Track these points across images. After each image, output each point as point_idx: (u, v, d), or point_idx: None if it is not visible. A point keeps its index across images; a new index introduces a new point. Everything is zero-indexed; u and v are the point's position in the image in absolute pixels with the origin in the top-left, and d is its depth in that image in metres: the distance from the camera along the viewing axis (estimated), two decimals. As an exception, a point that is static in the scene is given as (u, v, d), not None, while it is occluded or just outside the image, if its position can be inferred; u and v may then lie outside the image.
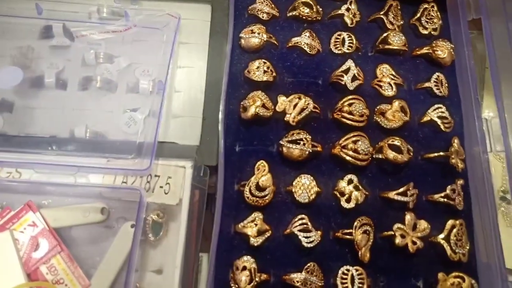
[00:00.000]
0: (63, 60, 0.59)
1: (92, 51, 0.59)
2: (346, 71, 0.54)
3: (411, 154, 0.51)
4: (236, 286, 0.44)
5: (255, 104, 0.51)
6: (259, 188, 0.48)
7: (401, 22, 0.58)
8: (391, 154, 0.50)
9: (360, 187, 0.49)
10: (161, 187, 0.50)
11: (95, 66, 0.59)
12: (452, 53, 0.56)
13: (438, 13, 0.58)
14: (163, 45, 0.59)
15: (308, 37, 0.55)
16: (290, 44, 0.55)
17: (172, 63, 0.59)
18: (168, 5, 0.62)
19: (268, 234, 0.47)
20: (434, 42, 0.56)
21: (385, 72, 0.54)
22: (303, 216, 0.47)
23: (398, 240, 0.47)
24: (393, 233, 0.47)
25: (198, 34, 0.62)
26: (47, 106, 0.57)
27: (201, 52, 0.61)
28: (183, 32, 0.62)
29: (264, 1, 0.57)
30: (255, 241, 0.46)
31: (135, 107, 0.57)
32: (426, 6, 0.58)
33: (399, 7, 0.58)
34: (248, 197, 0.47)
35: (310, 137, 0.50)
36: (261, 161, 0.49)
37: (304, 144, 0.49)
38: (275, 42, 0.55)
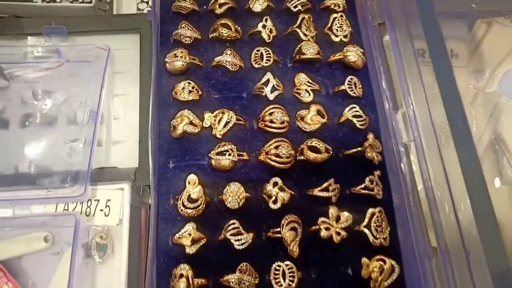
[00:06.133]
0: (2, 100, 0.62)
1: (30, 89, 0.63)
2: (266, 83, 0.58)
3: (330, 152, 0.55)
4: (176, 294, 0.48)
5: (183, 123, 0.54)
6: (191, 200, 0.51)
7: (315, 33, 0.63)
8: (311, 155, 0.54)
9: (285, 188, 0.53)
10: (101, 210, 0.53)
11: (34, 103, 0.62)
12: (362, 56, 0.61)
13: (347, 21, 0.63)
14: (96, 76, 0.63)
15: (230, 55, 0.59)
16: (213, 64, 0.59)
17: (106, 92, 0.62)
18: (99, 38, 0.66)
19: (203, 242, 0.50)
20: (345, 48, 0.61)
21: (301, 80, 0.59)
22: (234, 221, 0.51)
23: (323, 232, 0.51)
24: (318, 227, 0.51)
25: (130, 62, 0.66)
26: (-10, 146, 0.59)
27: (134, 79, 0.65)
28: (116, 62, 0.67)
29: (186, 26, 0.61)
30: (190, 250, 0.49)
31: (75, 138, 0.61)
32: (335, 15, 0.63)
33: (311, 19, 0.63)
34: (181, 210, 0.51)
35: (235, 147, 0.54)
36: (191, 174, 0.53)
37: (230, 155, 0.53)
38: (200, 63, 0.59)
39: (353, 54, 0.60)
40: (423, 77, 0.60)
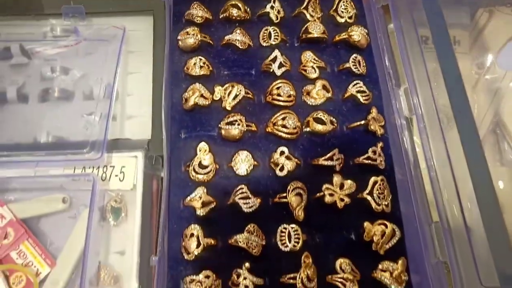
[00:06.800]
0: (23, 76, 0.66)
1: (49, 65, 0.66)
2: (274, 60, 0.61)
3: (335, 124, 0.58)
4: (187, 252, 0.50)
5: (194, 95, 0.57)
6: (202, 166, 0.54)
7: (321, 14, 0.66)
8: (317, 126, 0.57)
9: (292, 156, 0.55)
10: (116, 175, 0.56)
11: (52, 79, 0.66)
12: (366, 36, 0.63)
13: (352, 3, 0.66)
14: (112, 54, 0.66)
15: (239, 34, 0.62)
16: (223, 42, 0.62)
17: (121, 70, 0.65)
18: (114, 20, 0.70)
19: (212, 205, 0.53)
20: (350, 28, 0.64)
21: (308, 58, 0.62)
22: (242, 186, 0.53)
23: (327, 198, 0.53)
24: (322, 193, 0.54)
25: (144, 42, 0.69)
26: (11, 119, 0.63)
27: (147, 58, 0.68)
28: (130, 42, 0.70)
29: (198, 7, 0.64)
30: (201, 212, 0.52)
31: (91, 112, 0.63)
32: (340, -2, 0.66)
33: (317, 2, 0.66)
34: (192, 175, 0.54)
35: (244, 118, 0.56)
36: (202, 142, 0.55)
37: (239, 125, 0.56)
38: (210, 41, 0.62)
39: (357, 34, 0.63)
40: (426, 62, 0.63)
